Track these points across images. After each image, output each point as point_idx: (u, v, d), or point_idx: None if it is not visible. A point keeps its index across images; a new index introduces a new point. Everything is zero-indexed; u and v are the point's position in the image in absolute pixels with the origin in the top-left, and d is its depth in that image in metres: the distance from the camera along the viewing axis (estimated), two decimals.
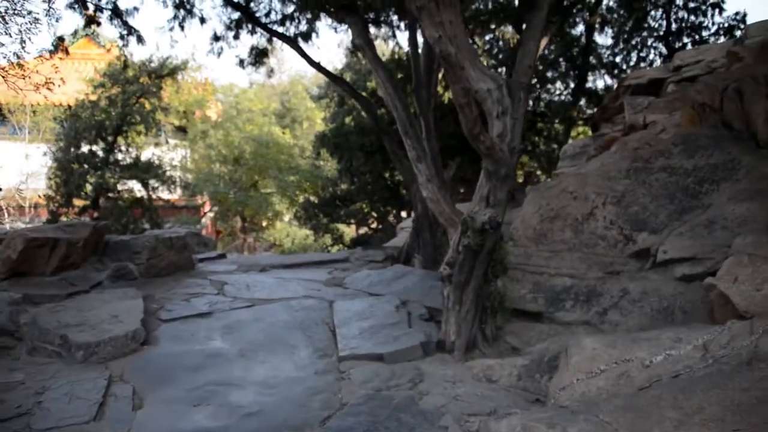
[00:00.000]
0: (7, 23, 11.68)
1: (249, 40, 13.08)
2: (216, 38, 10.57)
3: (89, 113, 16.26)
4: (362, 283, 7.56)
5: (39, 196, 19.48)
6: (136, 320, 5.82)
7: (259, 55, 10.91)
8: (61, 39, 10.33)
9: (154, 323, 6.17)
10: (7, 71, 11.42)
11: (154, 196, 17.35)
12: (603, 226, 6.01)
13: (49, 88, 11.46)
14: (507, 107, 5.14)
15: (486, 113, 5.19)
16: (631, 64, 16.84)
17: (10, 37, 11.73)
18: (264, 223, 32.98)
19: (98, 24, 10.51)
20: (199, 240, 11.79)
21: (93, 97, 16.69)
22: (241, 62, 10.97)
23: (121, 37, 10.50)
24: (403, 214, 21.84)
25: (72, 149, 16.24)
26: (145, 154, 19.08)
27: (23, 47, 11.57)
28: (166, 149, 25.48)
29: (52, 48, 10.45)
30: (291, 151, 27.63)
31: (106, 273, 7.97)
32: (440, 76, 9.72)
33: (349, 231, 27.97)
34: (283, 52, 47.18)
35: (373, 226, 24.29)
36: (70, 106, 17.59)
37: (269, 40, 10.85)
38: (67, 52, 10.44)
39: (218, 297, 7.06)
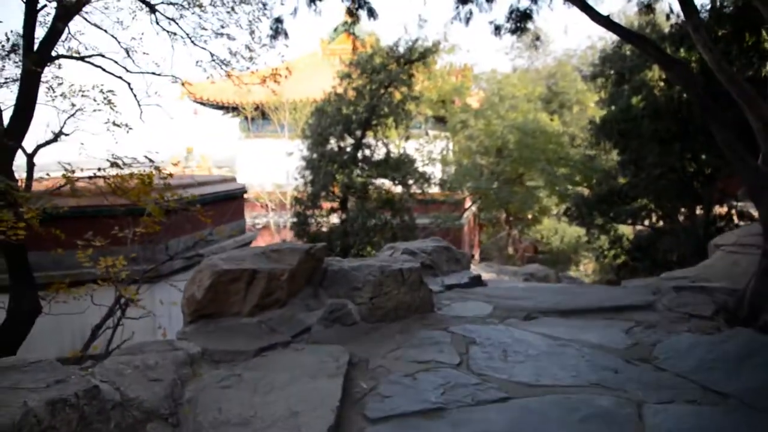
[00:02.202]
0: (235, 13, 10.47)
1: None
2: (463, 0, 8.18)
3: (334, 107, 14.94)
4: (686, 361, 4.60)
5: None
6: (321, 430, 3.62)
7: (520, 19, 8.31)
8: (278, 20, 8.75)
9: (355, 424, 3.94)
10: (231, 66, 10.22)
11: (405, 196, 15.60)
12: None
13: (276, 81, 10.08)
14: None
15: None
16: None
17: (240, 28, 10.52)
18: (529, 216, 30.32)
19: None
20: (449, 255, 9.55)
21: (339, 90, 15.38)
22: (497, 30, 8.46)
23: (350, 12, 8.58)
24: (697, 210, 17.78)
25: (318, 147, 15.07)
26: (401, 148, 17.58)
27: (252, 37, 10.29)
28: (424, 141, 24.01)
29: (271, 33, 8.91)
30: (560, 140, 24.41)
31: (319, 314, 6.00)
32: None
33: (627, 231, 24.18)
34: (545, 35, 43.89)
35: (658, 225, 20.32)
36: (315, 102, 16.61)
37: None
38: (286, 35, 8.87)
39: (459, 373, 4.63)
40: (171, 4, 9.95)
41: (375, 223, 14.47)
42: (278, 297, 6.01)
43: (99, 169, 7.78)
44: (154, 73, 8.86)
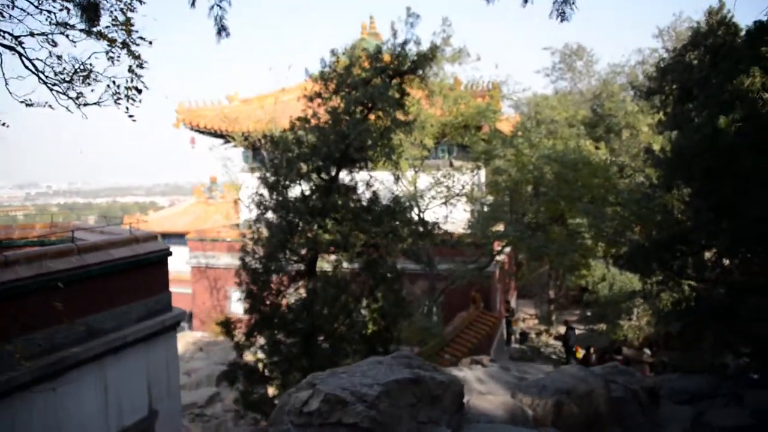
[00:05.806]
0: None
1: None
2: None
3: (293, 137, 10.77)
4: None
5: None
6: None
7: None
8: None
9: None
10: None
11: (389, 259, 11.27)
12: None
13: (131, 98, 6.22)
14: None
15: None
16: None
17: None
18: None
19: None
20: (418, 394, 5.45)
21: (308, 112, 11.18)
22: None
23: None
24: None
25: (274, 190, 10.93)
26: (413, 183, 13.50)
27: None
28: (441, 175, 19.93)
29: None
30: (607, 173, 19.64)
31: None
32: None
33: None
34: (592, 51, 39.44)
35: (735, 279, 15.85)
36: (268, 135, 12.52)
37: None
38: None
39: None
40: None
41: (346, 302, 10.20)
42: None
43: None
44: None
